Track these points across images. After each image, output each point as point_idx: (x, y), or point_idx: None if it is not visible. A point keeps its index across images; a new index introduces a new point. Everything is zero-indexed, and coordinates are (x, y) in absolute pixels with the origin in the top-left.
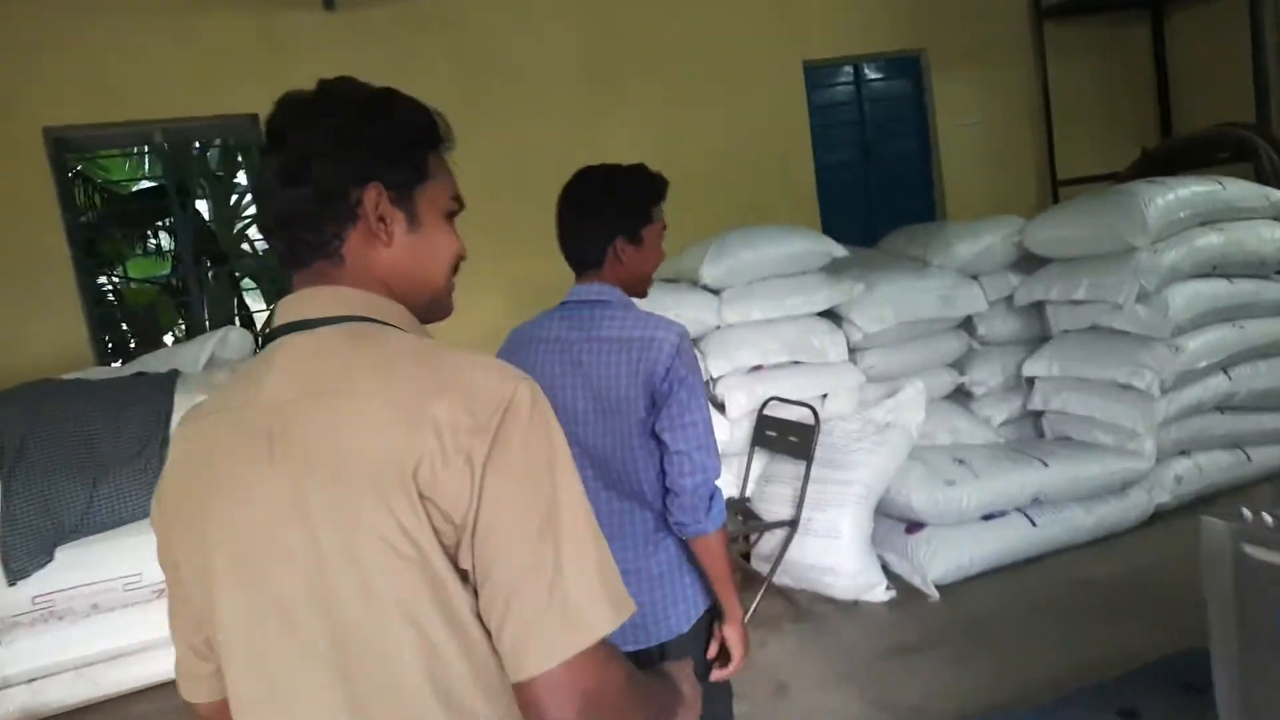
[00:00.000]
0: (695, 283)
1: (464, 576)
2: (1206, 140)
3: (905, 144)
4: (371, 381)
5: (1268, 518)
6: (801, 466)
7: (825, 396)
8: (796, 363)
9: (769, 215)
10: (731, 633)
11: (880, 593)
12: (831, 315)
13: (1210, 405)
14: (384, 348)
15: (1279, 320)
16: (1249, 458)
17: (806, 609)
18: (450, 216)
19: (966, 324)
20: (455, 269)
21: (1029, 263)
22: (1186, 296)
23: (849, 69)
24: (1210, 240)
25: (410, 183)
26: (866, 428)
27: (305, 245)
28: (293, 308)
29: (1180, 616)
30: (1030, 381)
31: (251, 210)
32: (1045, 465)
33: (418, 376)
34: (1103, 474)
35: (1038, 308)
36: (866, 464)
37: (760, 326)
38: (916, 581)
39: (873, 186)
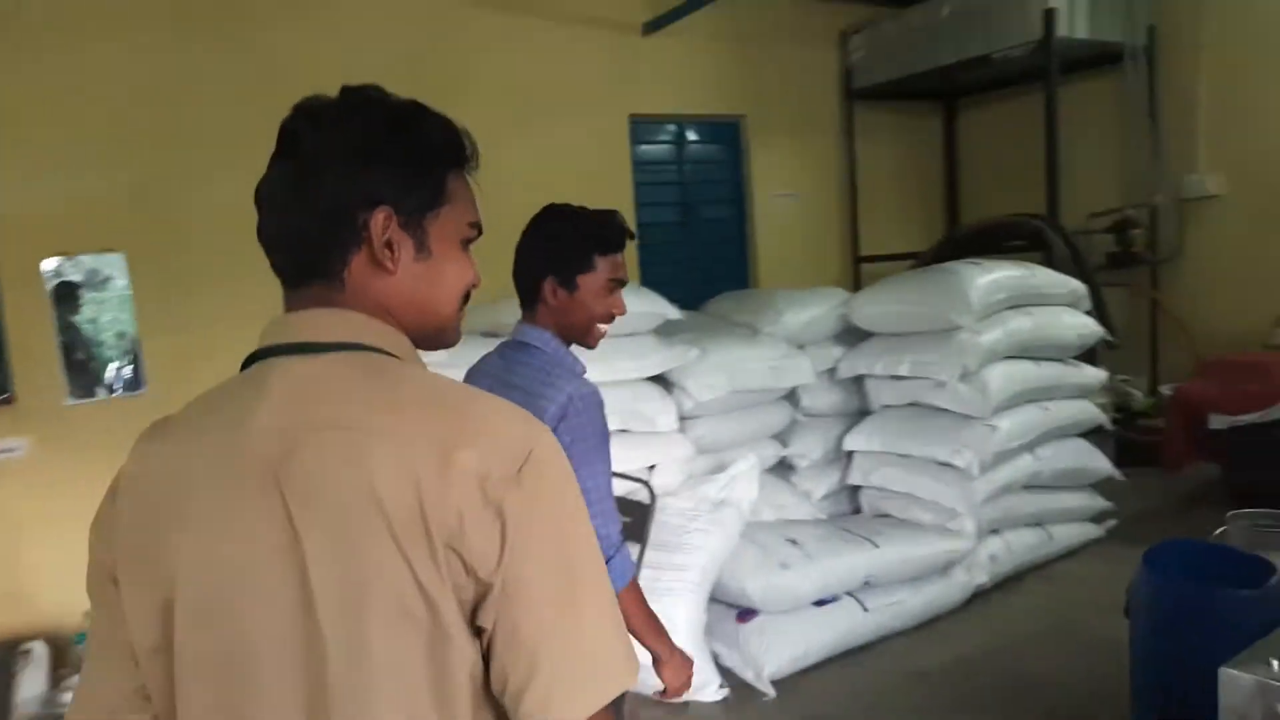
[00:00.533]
0: None
1: (476, 633)
2: (1004, 227)
3: (723, 209)
4: (389, 420)
5: None
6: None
7: (652, 468)
8: (624, 431)
9: None
10: (666, 672)
11: (713, 692)
12: (659, 381)
13: (1019, 485)
14: (401, 384)
15: (1078, 403)
16: (1051, 535)
17: (632, 715)
18: (466, 243)
19: (790, 395)
20: (467, 298)
21: (850, 335)
22: (1002, 377)
23: (673, 127)
24: (1022, 323)
25: (424, 208)
26: (700, 505)
27: (306, 264)
28: (289, 329)
29: (1017, 711)
30: (850, 455)
31: None
32: (876, 546)
33: (443, 420)
34: (930, 554)
35: (859, 381)
36: (702, 547)
37: None
38: (750, 676)
39: (691, 248)
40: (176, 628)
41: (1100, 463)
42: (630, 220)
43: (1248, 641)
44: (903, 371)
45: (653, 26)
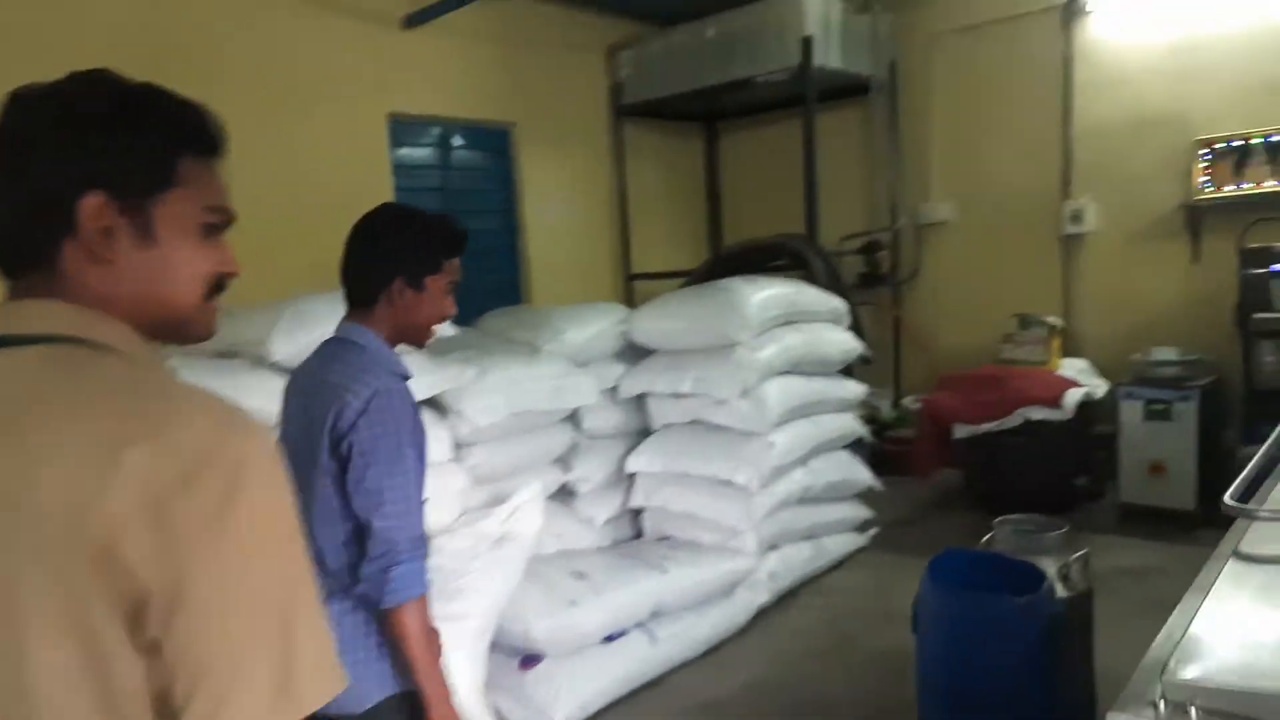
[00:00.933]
0: (261, 360)
1: (142, 647)
2: (768, 248)
3: (493, 220)
4: (61, 418)
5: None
6: None
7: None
8: None
9: None
10: (432, 714)
11: None
12: (430, 405)
13: (794, 499)
14: (86, 377)
15: (842, 416)
16: (822, 548)
17: None
18: (209, 230)
19: (571, 416)
20: (218, 288)
21: (632, 353)
22: (778, 392)
23: (438, 130)
24: (794, 339)
25: (147, 191)
26: (480, 544)
27: (16, 255)
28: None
29: None
30: (632, 477)
31: None
32: (664, 572)
33: (118, 415)
34: (716, 577)
35: (641, 400)
36: (483, 590)
37: None
38: None
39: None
40: None
41: (862, 473)
42: None
43: (1027, 646)
44: (684, 389)
45: (414, 20)
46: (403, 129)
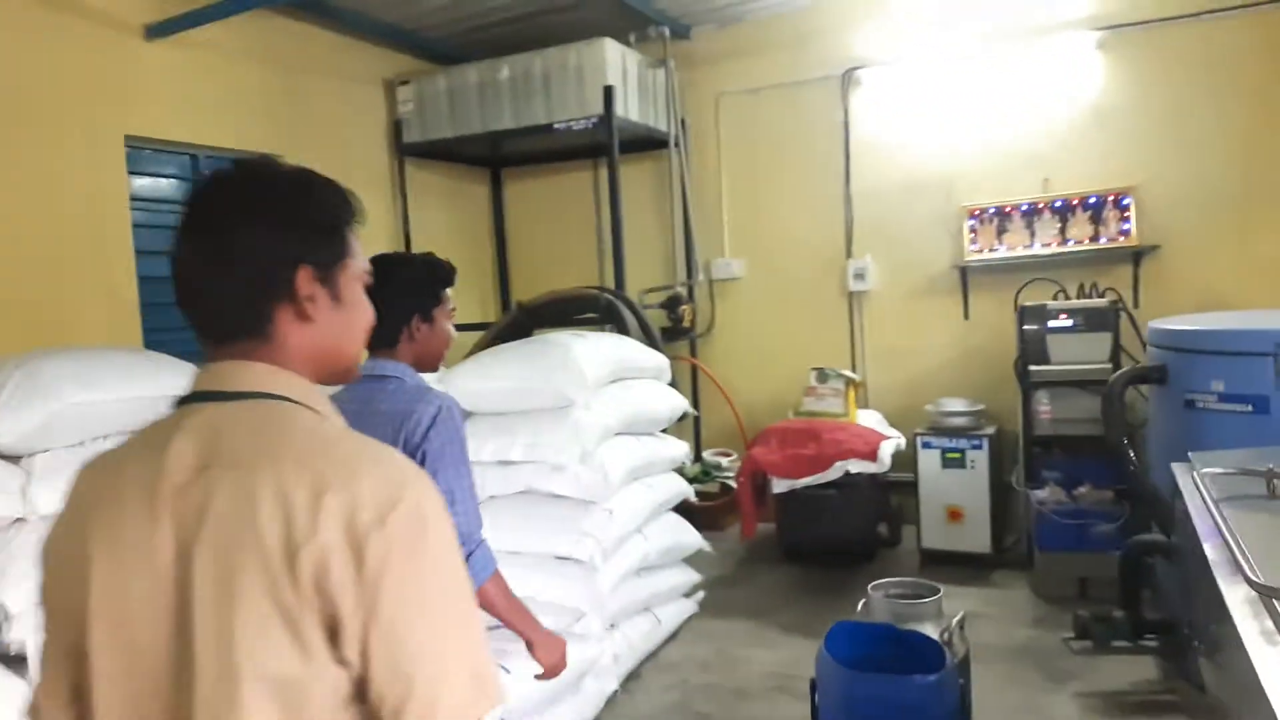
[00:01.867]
0: None
1: (339, 661)
2: (577, 300)
3: None
4: (272, 462)
5: None
6: None
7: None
8: None
9: (74, 330)
10: (539, 652)
11: None
12: None
13: (634, 570)
14: (291, 429)
15: (670, 476)
16: (659, 619)
17: None
18: (365, 288)
19: None
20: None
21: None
22: (618, 455)
23: (187, 159)
24: (626, 398)
25: (334, 261)
26: None
27: (234, 323)
28: (210, 379)
29: None
30: None
31: None
32: (507, 672)
33: (320, 464)
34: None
35: None
36: None
37: None
38: None
39: None
40: (91, 625)
41: (692, 536)
42: (129, 269)
43: None
44: (515, 456)
45: (157, 31)
46: (143, 156)
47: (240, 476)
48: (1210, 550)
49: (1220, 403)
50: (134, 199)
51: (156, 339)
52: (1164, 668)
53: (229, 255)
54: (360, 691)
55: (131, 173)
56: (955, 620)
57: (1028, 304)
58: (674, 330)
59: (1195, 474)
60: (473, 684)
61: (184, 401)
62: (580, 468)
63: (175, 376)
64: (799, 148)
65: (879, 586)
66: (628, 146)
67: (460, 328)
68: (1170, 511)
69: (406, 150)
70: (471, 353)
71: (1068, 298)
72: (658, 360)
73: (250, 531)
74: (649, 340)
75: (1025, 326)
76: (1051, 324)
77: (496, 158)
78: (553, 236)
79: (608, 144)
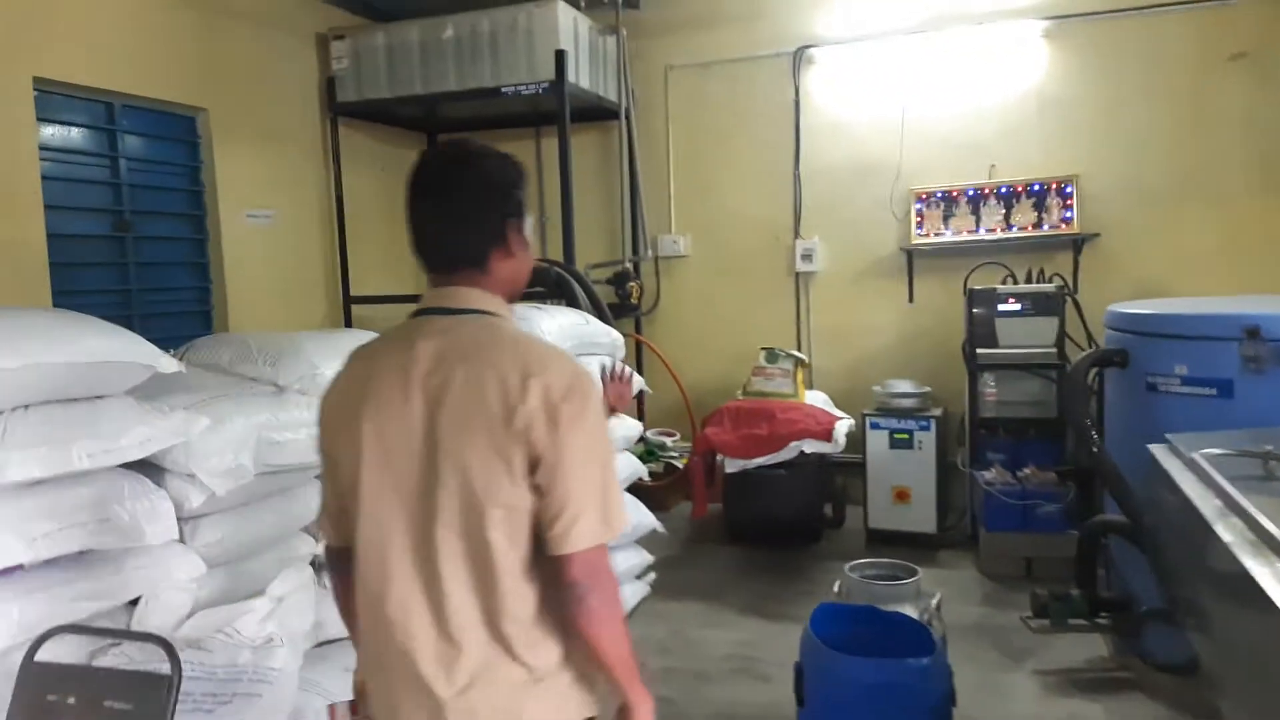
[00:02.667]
0: None
1: (533, 489)
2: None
3: (175, 224)
4: (492, 356)
5: None
6: None
7: (137, 603)
8: (88, 553)
9: None
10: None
11: None
12: (144, 468)
13: None
14: (501, 335)
15: (626, 455)
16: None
17: None
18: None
19: None
20: None
21: None
22: None
23: (102, 108)
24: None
25: (521, 214)
26: (239, 655)
27: (463, 259)
28: (440, 298)
29: None
30: None
31: None
32: None
33: (523, 358)
34: None
35: None
36: None
37: (19, 493)
38: None
39: (130, 273)
40: (363, 469)
41: (646, 516)
42: (38, 224)
43: (933, 709)
44: None
45: None
46: (54, 102)
47: (470, 365)
48: (1225, 531)
49: (1184, 386)
50: (43, 149)
51: (66, 302)
52: (1115, 644)
53: (465, 213)
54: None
55: (41, 119)
56: (934, 602)
57: (977, 288)
58: (621, 307)
59: (1193, 456)
60: (601, 518)
61: (419, 314)
62: None
63: (107, 344)
64: (749, 125)
65: (856, 568)
66: (574, 116)
67: (385, 300)
68: (1131, 493)
69: (340, 110)
70: None
71: (1015, 283)
72: (614, 336)
73: (479, 401)
74: (600, 316)
75: (974, 309)
76: (1001, 307)
77: (434, 122)
78: None
79: (558, 111)
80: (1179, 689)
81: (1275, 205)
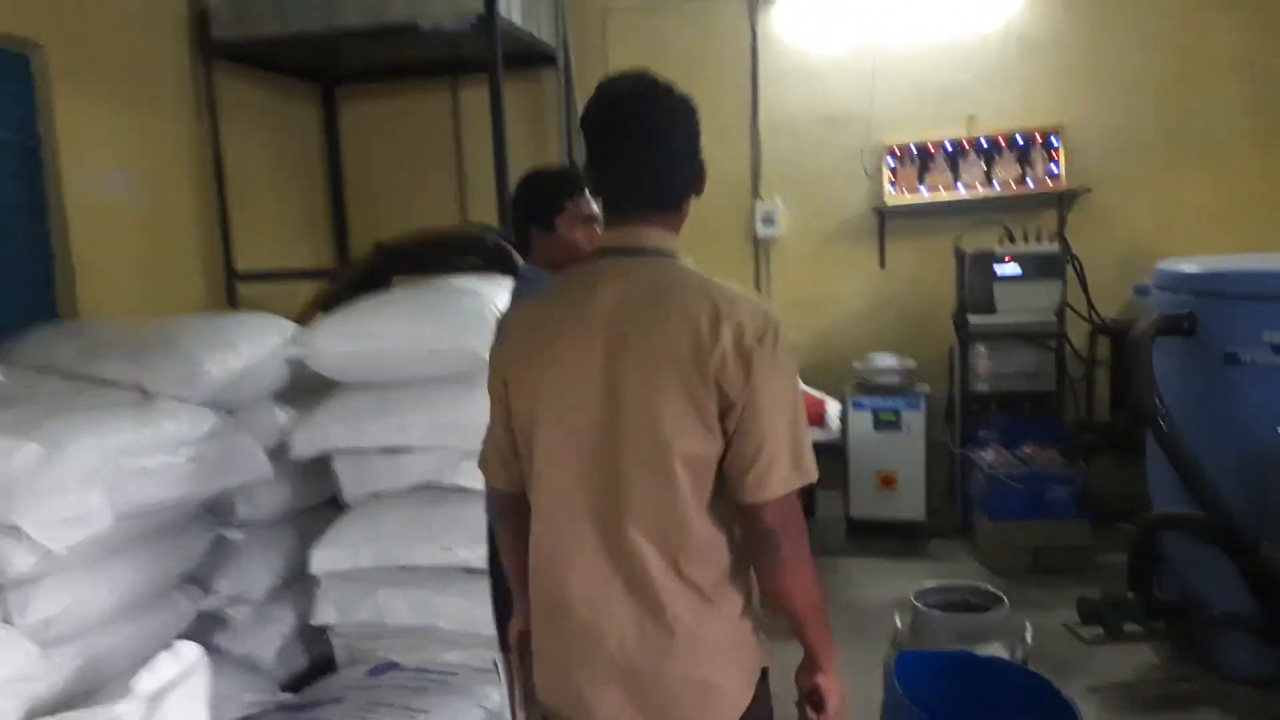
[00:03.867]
0: None
1: (724, 435)
2: (455, 240)
3: (5, 187)
4: (677, 298)
5: None
6: None
7: None
8: None
9: None
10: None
11: None
12: None
13: None
14: (684, 277)
15: None
16: None
17: None
18: None
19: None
20: None
21: (302, 391)
22: None
23: None
24: None
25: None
26: None
27: (656, 200)
28: (619, 239)
29: None
30: (319, 582)
31: None
32: None
33: (712, 299)
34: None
35: (326, 463)
36: None
37: None
38: None
39: None
40: (537, 409)
41: None
42: None
43: None
44: (406, 439)
45: None
46: None
47: (656, 308)
48: None
49: (1276, 357)
50: None
51: None
52: (1169, 653)
53: (676, 153)
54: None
55: None
56: (1027, 636)
57: (971, 249)
58: None
59: None
60: (794, 462)
61: (600, 256)
62: None
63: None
64: (700, 74)
65: (926, 594)
66: (503, 62)
67: (279, 275)
68: (1213, 485)
69: (218, 50)
70: (309, 308)
71: (1013, 242)
72: None
73: (668, 345)
74: None
75: (969, 273)
76: (999, 270)
77: (331, 70)
78: (402, 170)
79: (488, 53)
80: (1260, 703)
81: (1269, 156)
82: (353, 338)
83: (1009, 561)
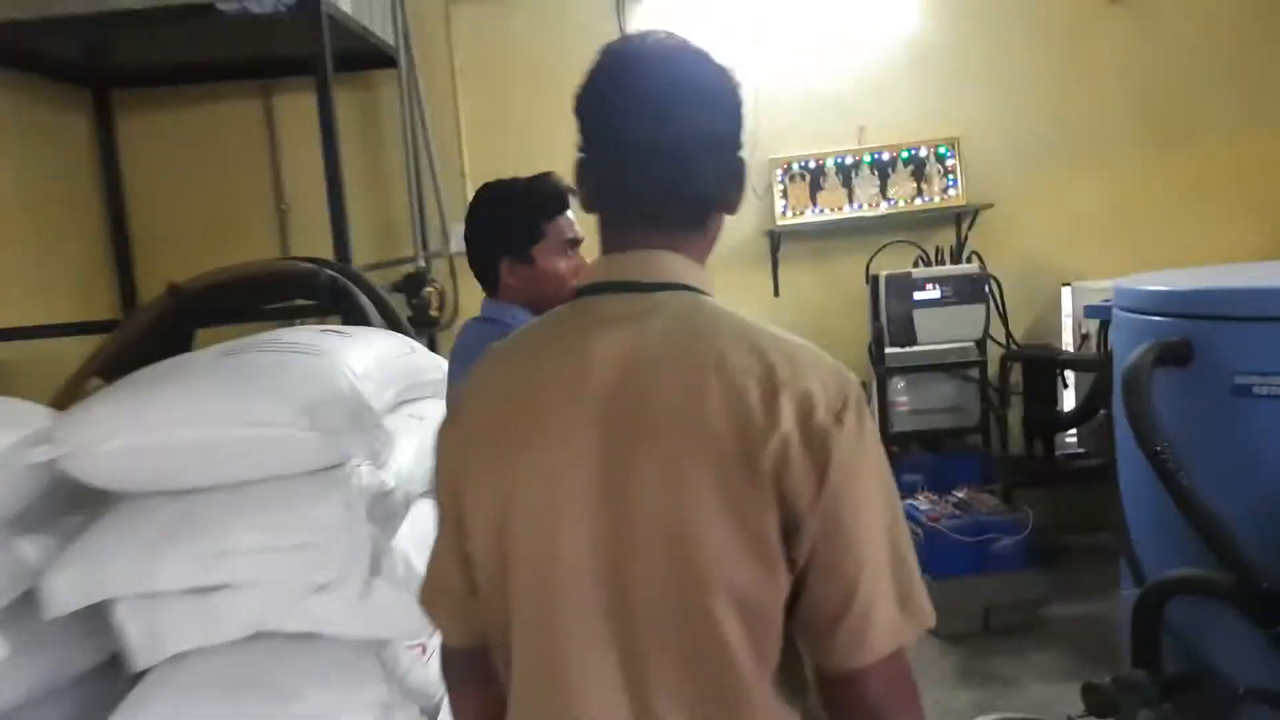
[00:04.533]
0: None
1: (791, 565)
2: (276, 279)
3: None
4: (711, 356)
5: None
6: None
7: None
8: None
9: None
10: None
11: None
12: None
13: None
14: (719, 323)
15: None
16: None
17: None
18: None
19: None
20: None
21: (57, 505)
22: (419, 547)
23: None
24: (422, 442)
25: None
26: None
27: (678, 214)
28: (623, 267)
29: None
30: None
31: None
32: None
33: (763, 357)
34: None
35: (104, 610)
36: None
37: None
38: None
39: None
40: (512, 534)
41: None
42: None
43: None
44: (225, 574)
45: None
46: None
47: (680, 371)
48: None
49: None
50: None
51: None
52: None
53: (701, 140)
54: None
55: None
56: None
57: (888, 272)
58: (419, 321)
59: None
60: (902, 602)
61: (590, 291)
62: (362, 584)
63: None
64: (563, 77)
65: None
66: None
67: (36, 332)
68: (1236, 541)
69: None
70: (77, 378)
71: (928, 264)
72: (439, 367)
73: (699, 426)
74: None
75: (887, 300)
76: (918, 296)
77: (104, 69)
78: (204, 195)
79: (314, 49)
80: None
81: (1165, 164)
82: (135, 427)
83: (959, 625)
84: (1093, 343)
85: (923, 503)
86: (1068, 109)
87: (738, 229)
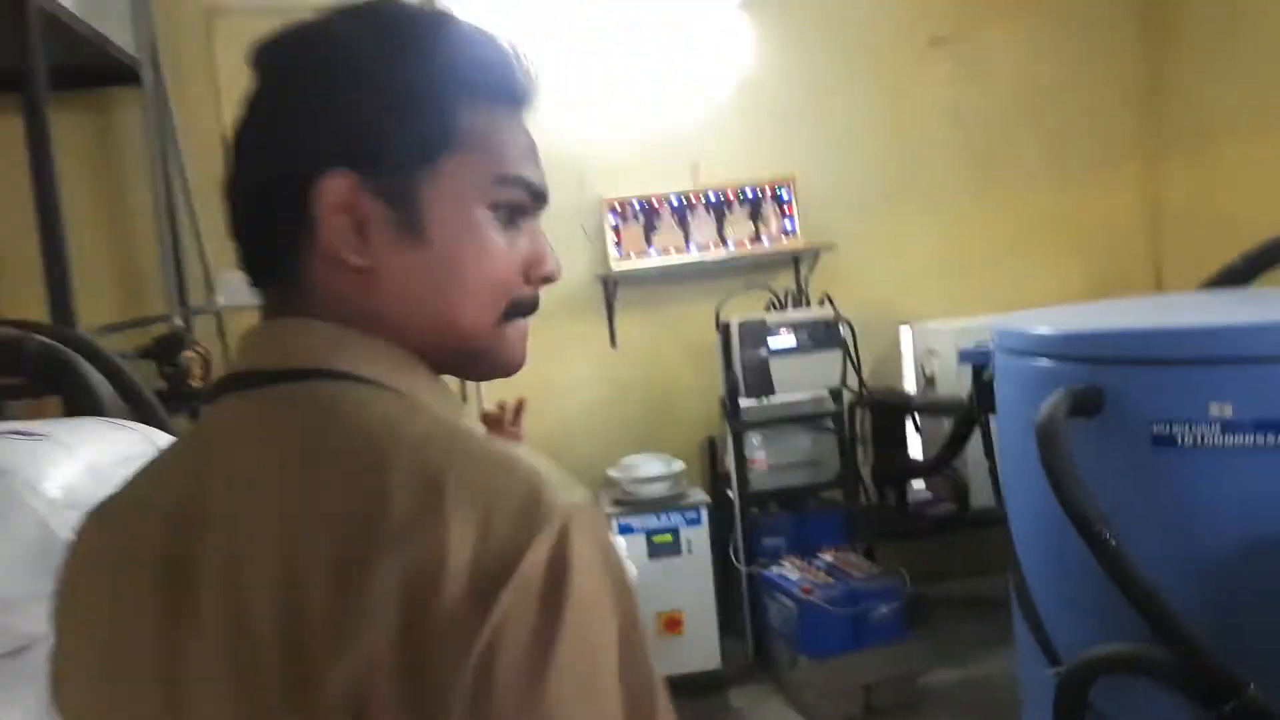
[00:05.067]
0: None
1: None
2: None
3: None
4: (293, 500)
5: None
6: None
7: None
8: None
9: None
10: None
11: None
12: None
13: None
14: (331, 434)
15: None
16: None
17: None
18: (505, 211)
19: None
20: (528, 301)
21: None
22: None
23: None
24: None
25: (411, 163)
26: None
27: (257, 259)
28: (245, 351)
29: None
30: None
31: None
32: None
33: (367, 491)
34: None
35: None
36: None
37: None
38: None
39: None
40: None
41: None
42: None
43: None
44: None
45: None
46: None
47: (248, 529)
48: None
49: (1228, 435)
50: None
51: None
52: None
53: (254, 149)
54: None
55: None
56: None
57: (739, 320)
58: (176, 394)
59: None
60: None
61: (226, 386)
62: None
63: None
64: None
65: None
66: (53, 78)
67: None
68: (1174, 615)
69: None
70: None
71: (780, 308)
72: None
73: (263, 625)
74: (144, 417)
75: (741, 349)
76: (773, 343)
77: None
78: None
79: (20, 58)
80: None
81: (987, 207)
82: None
83: (839, 708)
84: (936, 386)
85: (790, 571)
86: (896, 150)
87: (568, 274)
